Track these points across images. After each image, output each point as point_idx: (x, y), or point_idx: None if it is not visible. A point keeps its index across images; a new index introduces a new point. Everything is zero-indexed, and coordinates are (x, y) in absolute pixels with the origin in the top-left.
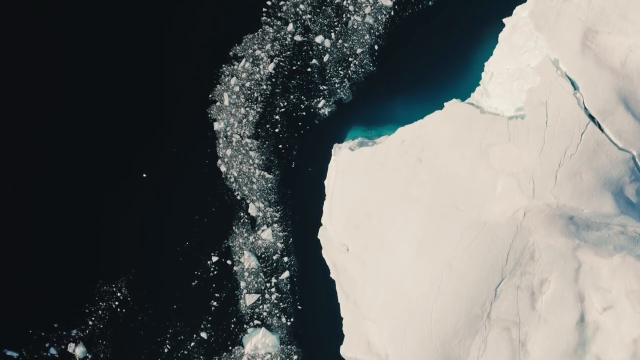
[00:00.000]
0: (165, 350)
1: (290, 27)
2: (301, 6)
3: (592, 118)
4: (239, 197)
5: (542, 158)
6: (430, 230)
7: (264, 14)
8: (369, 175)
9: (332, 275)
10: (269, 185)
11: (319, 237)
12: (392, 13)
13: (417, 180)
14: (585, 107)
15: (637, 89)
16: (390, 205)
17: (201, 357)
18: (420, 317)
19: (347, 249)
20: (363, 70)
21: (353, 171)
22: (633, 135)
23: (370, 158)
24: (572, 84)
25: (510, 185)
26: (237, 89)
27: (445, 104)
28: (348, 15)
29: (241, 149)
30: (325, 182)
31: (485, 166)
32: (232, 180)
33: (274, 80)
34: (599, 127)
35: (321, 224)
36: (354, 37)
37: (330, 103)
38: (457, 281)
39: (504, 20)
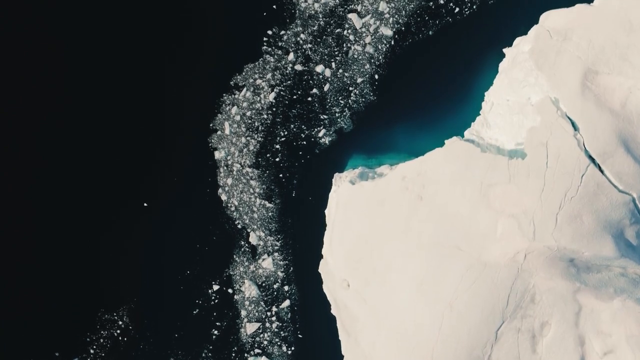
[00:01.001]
0: None
1: (291, 56)
2: (302, 36)
3: (592, 159)
4: (239, 226)
5: (543, 200)
6: (431, 270)
7: (265, 43)
8: (369, 211)
9: (333, 311)
10: (270, 214)
11: (319, 270)
12: (393, 42)
13: (418, 217)
14: (585, 149)
15: (637, 131)
16: (390, 242)
17: None
18: (421, 358)
19: (348, 285)
20: (363, 99)
21: (354, 206)
22: (633, 178)
23: (371, 193)
24: (573, 124)
25: (511, 226)
26: (238, 118)
27: (445, 141)
28: (348, 45)
29: (242, 178)
30: (326, 211)
31: (486, 206)
32: (233, 209)
33: (274, 109)
34: (599, 168)
35: (322, 255)
36: (355, 67)
37: (331, 132)
38: (457, 322)
39: (505, 50)
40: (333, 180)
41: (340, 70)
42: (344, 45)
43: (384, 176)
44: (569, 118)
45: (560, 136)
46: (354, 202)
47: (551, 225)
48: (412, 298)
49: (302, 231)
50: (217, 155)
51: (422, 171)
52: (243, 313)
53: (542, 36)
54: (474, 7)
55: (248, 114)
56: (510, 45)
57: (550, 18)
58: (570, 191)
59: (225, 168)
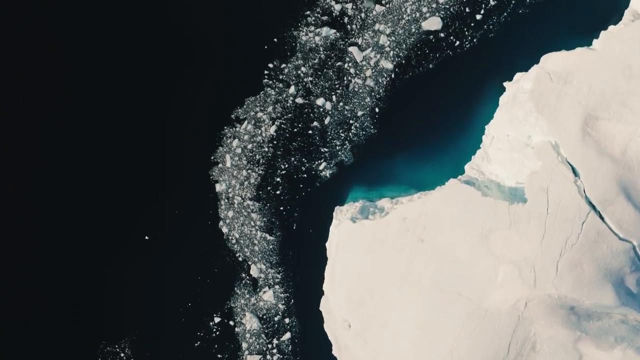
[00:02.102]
0: None
1: (292, 89)
2: (303, 69)
3: (592, 206)
4: (240, 259)
5: (544, 247)
6: (431, 315)
7: (265, 77)
8: (370, 251)
9: (334, 352)
10: (271, 246)
11: (320, 308)
12: (393, 75)
13: (419, 260)
14: (586, 196)
15: (637, 178)
16: (391, 284)
17: None
18: None
19: (349, 325)
20: (364, 132)
21: (354, 245)
22: (634, 226)
23: (372, 233)
24: (573, 170)
25: (511, 273)
26: (239, 150)
27: (446, 183)
28: (349, 78)
29: (243, 210)
30: (327, 244)
31: (486, 251)
32: (234, 241)
33: (275, 142)
34: (600, 216)
35: (322, 290)
36: (355, 100)
37: (332, 165)
38: None
39: (505, 84)
40: (334, 213)
41: (341, 103)
42: (345, 78)
43: (385, 216)
44: (569, 164)
45: (560, 182)
46: (354, 241)
47: (552, 273)
48: (413, 343)
49: (303, 264)
50: (218, 187)
51: (423, 213)
52: (244, 345)
53: (542, 79)
54: (474, 40)
55: (249, 146)
56: (510, 79)
57: (550, 60)
58: (571, 239)
59: (226, 201)
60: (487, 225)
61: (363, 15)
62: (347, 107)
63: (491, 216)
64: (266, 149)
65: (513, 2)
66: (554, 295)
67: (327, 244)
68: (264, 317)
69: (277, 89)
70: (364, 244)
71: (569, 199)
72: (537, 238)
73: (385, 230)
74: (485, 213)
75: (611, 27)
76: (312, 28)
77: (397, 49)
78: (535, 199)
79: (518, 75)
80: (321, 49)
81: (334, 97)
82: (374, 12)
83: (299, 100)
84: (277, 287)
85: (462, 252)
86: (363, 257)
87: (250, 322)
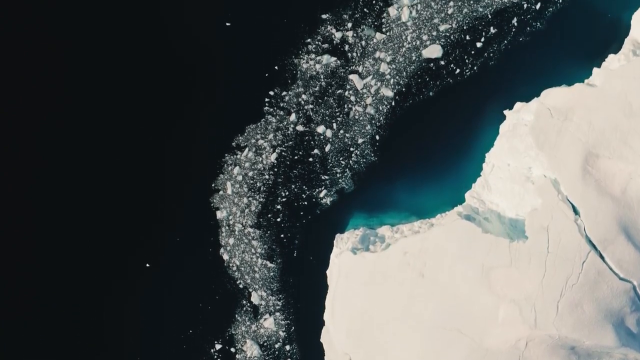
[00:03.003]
0: None
1: (293, 117)
2: (303, 96)
3: (593, 245)
4: (241, 286)
5: (544, 286)
6: (432, 352)
7: (266, 104)
8: (371, 285)
9: None
10: (271, 274)
11: (321, 340)
12: (393, 103)
13: (419, 296)
14: (586, 235)
15: (637, 217)
16: (392, 319)
17: None
18: None
19: (350, 359)
20: (364, 160)
21: (355, 277)
22: (634, 266)
23: (373, 266)
24: (573, 208)
25: (512, 312)
26: (239, 178)
27: (447, 213)
28: (349, 106)
29: (244, 237)
30: (328, 272)
31: (487, 289)
32: (235, 268)
33: (276, 169)
34: (600, 255)
35: (323, 321)
36: (356, 127)
37: (332, 193)
38: None
39: (505, 112)
40: (334, 241)
41: (342, 131)
42: (345, 106)
43: (386, 248)
44: (569, 202)
45: (561, 221)
46: (355, 273)
47: (552, 313)
48: None
49: (303, 291)
50: (219, 215)
51: (424, 248)
52: None
53: (543, 114)
54: (475, 68)
55: (250, 174)
56: (510, 107)
57: (551, 96)
58: (572, 278)
59: (227, 228)
60: (488, 262)
61: (364, 43)
62: (347, 135)
63: (492, 253)
64: (267, 177)
65: (513, 30)
66: (554, 335)
67: (327, 272)
68: (265, 344)
69: (277, 117)
70: (364, 276)
71: (570, 238)
72: (538, 277)
73: (386, 263)
74: (486, 250)
75: (611, 56)
76: (313, 56)
77: (397, 77)
78: (535, 237)
79: (518, 105)
80: (322, 77)
81: (334, 124)
82: (375, 40)
83: (300, 128)
84: (278, 314)
85: (463, 289)
86: (364, 290)
87: (251, 349)
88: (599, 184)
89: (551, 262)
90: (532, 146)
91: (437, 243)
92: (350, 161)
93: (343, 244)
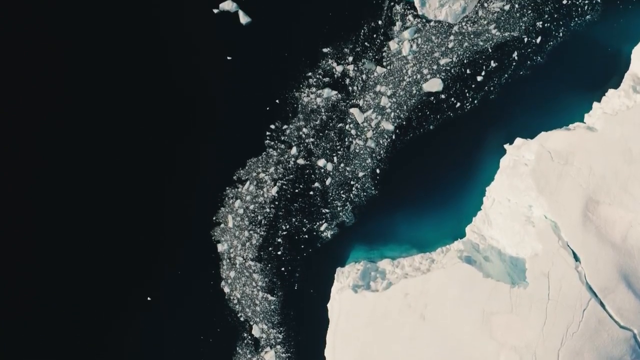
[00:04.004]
0: None
1: (294, 150)
2: (304, 130)
3: (593, 293)
4: (242, 319)
5: (545, 334)
6: None
7: (267, 137)
8: (372, 325)
9: None
10: (272, 307)
11: None
12: (394, 137)
13: (420, 338)
14: (587, 282)
15: (637, 266)
16: None
17: None
18: None
19: None
20: (365, 193)
21: (356, 317)
22: (634, 314)
23: (373, 306)
24: (574, 254)
25: None
26: (241, 211)
27: (448, 259)
28: (350, 139)
29: (244, 271)
30: (329, 306)
31: (488, 335)
32: (236, 301)
33: (277, 203)
34: (600, 303)
35: (324, 357)
36: (356, 161)
37: (333, 226)
38: None
39: (506, 146)
40: (335, 275)
41: (342, 165)
42: (346, 139)
43: (387, 288)
44: (570, 248)
45: (562, 268)
46: (356, 312)
47: None
48: None
49: (304, 324)
50: (220, 248)
51: (425, 290)
52: None
53: (543, 157)
54: (475, 102)
55: (251, 207)
56: (511, 140)
57: (551, 139)
58: (572, 326)
59: (228, 261)
60: (489, 308)
61: (364, 76)
62: (348, 168)
63: (493, 298)
64: (268, 210)
65: (514, 63)
66: None
67: (328, 306)
68: None
69: (278, 150)
70: (365, 316)
71: (570, 286)
72: (539, 324)
73: (387, 304)
74: (487, 295)
75: (611, 91)
76: (314, 89)
77: (398, 110)
78: (536, 283)
79: (519, 141)
80: (322, 110)
81: (335, 158)
82: (375, 74)
83: (301, 161)
84: (278, 347)
85: (464, 333)
86: (365, 331)
87: None
88: (599, 231)
89: (552, 309)
90: (533, 187)
91: (438, 286)
92: (351, 194)
93: (344, 278)
